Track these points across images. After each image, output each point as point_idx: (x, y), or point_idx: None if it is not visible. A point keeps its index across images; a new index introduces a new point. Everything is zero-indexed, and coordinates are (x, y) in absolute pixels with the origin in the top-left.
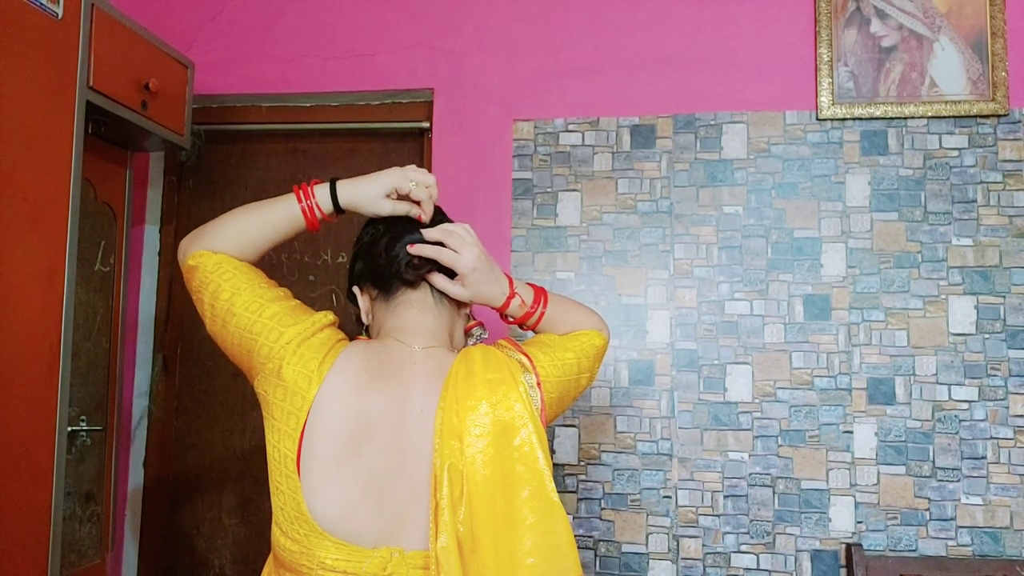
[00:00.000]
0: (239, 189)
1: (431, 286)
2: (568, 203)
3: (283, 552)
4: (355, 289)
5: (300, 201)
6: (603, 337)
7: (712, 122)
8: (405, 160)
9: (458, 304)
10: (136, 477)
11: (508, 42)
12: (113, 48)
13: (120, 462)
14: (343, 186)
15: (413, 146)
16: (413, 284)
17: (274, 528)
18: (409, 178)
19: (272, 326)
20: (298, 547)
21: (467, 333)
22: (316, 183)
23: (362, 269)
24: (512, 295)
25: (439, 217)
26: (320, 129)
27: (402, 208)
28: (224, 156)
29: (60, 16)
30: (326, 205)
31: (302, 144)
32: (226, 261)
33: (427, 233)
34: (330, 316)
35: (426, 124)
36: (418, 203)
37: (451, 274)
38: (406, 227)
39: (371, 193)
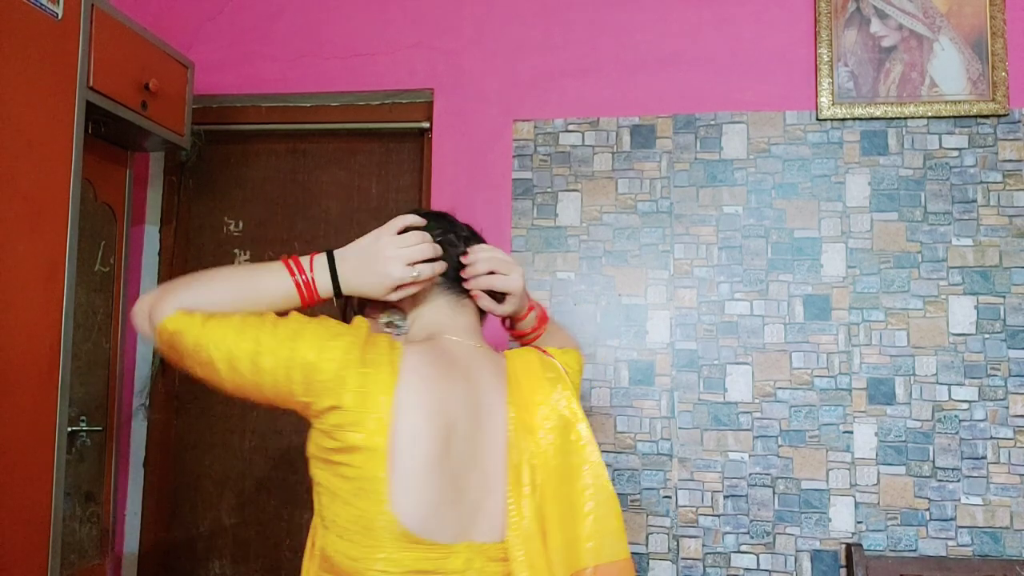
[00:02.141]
0: (239, 189)
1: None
2: (568, 203)
3: (347, 561)
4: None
5: (292, 275)
6: (583, 358)
7: (712, 122)
8: (405, 161)
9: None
10: (136, 477)
11: (508, 42)
12: (113, 48)
13: (120, 462)
14: (346, 274)
15: (413, 146)
16: (460, 292)
17: (335, 542)
18: (409, 271)
19: (320, 344)
20: (362, 552)
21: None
22: (312, 256)
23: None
24: (532, 308)
25: (474, 238)
26: (320, 129)
27: (412, 290)
28: (224, 156)
29: (60, 16)
30: (326, 289)
31: (302, 144)
32: (209, 315)
33: (476, 267)
34: (365, 320)
35: (426, 124)
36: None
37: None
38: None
39: (377, 291)
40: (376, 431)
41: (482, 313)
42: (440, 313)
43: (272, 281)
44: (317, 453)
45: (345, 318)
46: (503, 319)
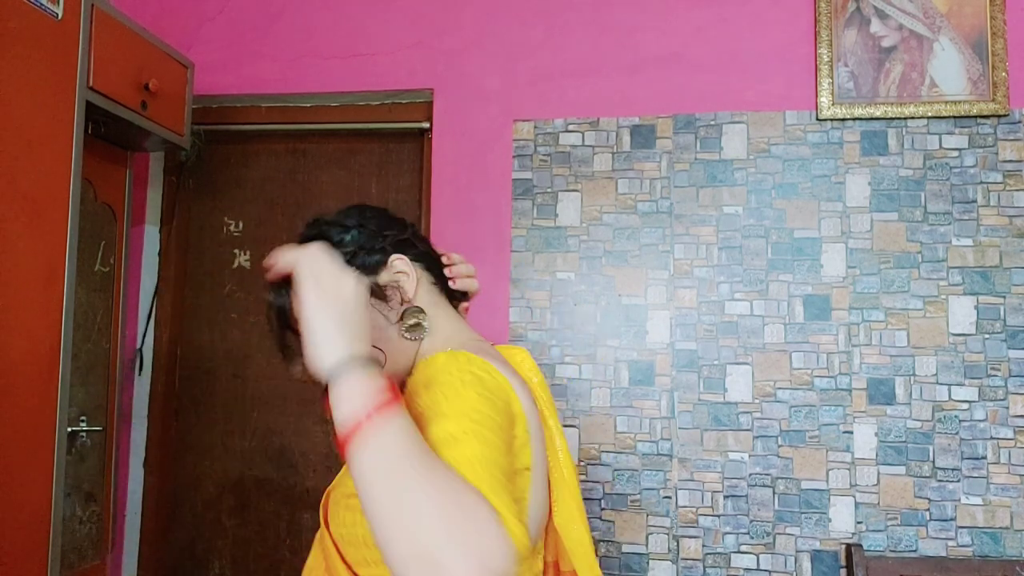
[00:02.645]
0: (239, 189)
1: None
2: (568, 203)
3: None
4: (404, 259)
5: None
6: None
7: (712, 122)
8: (405, 161)
9: None
10: (136, 477)
11: (508, 42)
12: (113, 48)
13: (120, 462)
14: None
15: (413, 146)
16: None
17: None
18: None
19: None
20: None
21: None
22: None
23: (423, 250)
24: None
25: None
26: (320, 129)
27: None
28: (224, 156)
29: (60, 16)
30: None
31: (302, 144)
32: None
33: (460, 268)
34: (505, 376)
35: (426, 124)
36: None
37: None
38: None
39: (345, 303)
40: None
41: None
42: (465, 326)
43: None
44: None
45: (282, 346)
46: None
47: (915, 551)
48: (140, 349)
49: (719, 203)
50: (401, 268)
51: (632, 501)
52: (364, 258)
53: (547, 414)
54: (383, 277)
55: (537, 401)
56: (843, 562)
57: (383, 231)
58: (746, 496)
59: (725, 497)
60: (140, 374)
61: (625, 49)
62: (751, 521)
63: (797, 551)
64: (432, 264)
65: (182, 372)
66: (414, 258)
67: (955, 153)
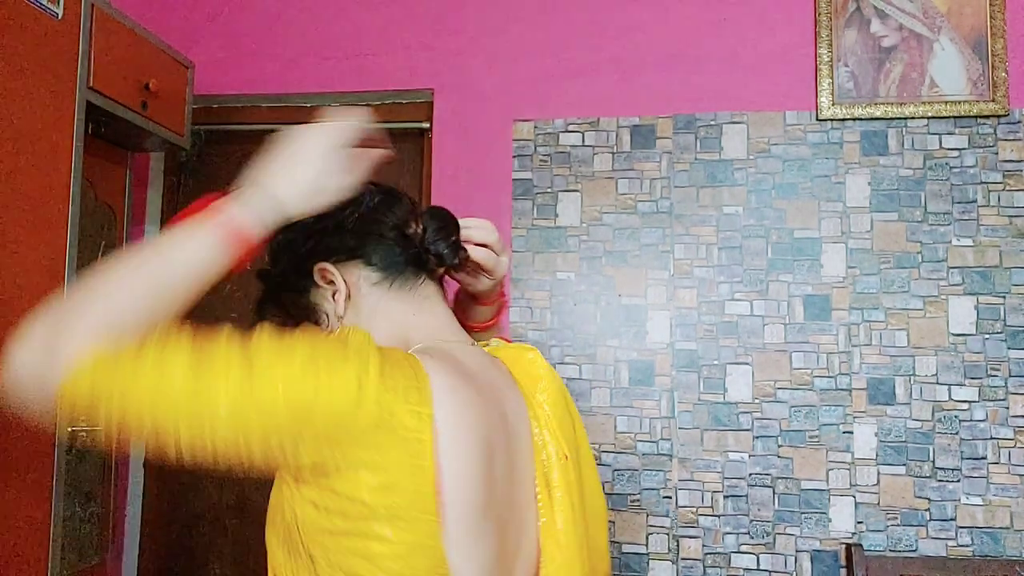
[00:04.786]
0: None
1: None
2: (568, 203)
3: None
4: (329, 267)
5: (213, 232)
6: None
7: (712, 122)
8: (405, 161)
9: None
10: (136, 477)
11: (508, 42)
12: (113, 48)
13: (120, 462)
14: (276, 186)
15: (413, 146)
16: (447, 271)
17: None
18: (350, 125)
19: (321, 368)
20: None
21: None
22: (214, 199)
23: (354, 243)
24: (501, 294)
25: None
26: None
27: (365, 169)
28: (224, 156)
29: (60, 16)
30: (260, 222)
31: None
32: (135, 352)
33: (473, 234)
34: (363, 331)
35: (426, 124)
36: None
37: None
38: (404, 197)
39: (327, 176)
40: (427, 481)
41: None
42: (432, 313)
43: (186, 250)
44: (313, 533)
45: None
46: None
47: (915, 551)
48: None
49: (719, 203)
50: (326, 281)
51: (632, 501)
52: (292, 284)
53: (550, 437)
54: (315, 295)
55: (536, 424)
56: (843, 562)
57: (306, 240)
58: (746, 496)
59: (725, 497)
60: None
61: (625, 49)
62: (751, 521)
63: (797, 551)
64: (384, 248)
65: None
66: (344, 258)
67: (955, 153)
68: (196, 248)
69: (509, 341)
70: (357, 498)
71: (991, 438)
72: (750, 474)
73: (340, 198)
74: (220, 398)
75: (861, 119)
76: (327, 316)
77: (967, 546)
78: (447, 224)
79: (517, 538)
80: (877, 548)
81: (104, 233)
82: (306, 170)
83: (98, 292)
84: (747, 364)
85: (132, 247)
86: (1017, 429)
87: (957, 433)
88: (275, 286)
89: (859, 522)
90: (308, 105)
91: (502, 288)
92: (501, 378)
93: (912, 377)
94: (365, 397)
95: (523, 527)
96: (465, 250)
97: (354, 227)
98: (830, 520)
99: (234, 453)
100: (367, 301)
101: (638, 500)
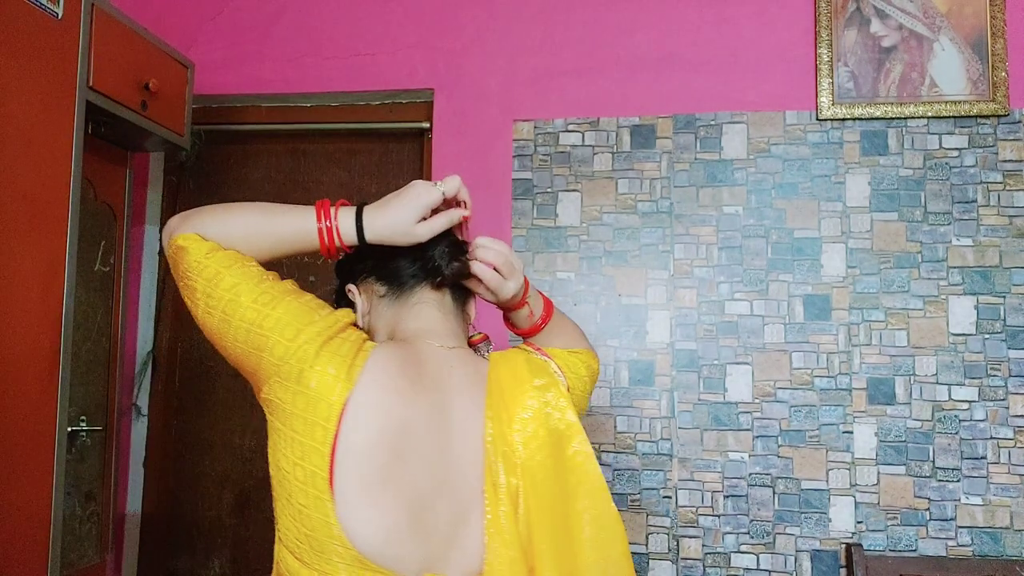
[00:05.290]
0: (239, 189)
1: (451, 286)
2: (568, 203)
3: None
4: (352, 288)
5: (319, 221)
6: (598, 360)
7: (712, 122)
8: (405, 161)
9: (467, 308)
10: (136, 477)
11: (508, 42)
12: (113, 48)
13: (120, 462)
14: (371, 214)
15: (413, 146)
16: (441, 284)
17: (286, 556)
18: (438, 188)
19: (288, 321)
20: None
21: (472, 347)
22: (342, 204)
23: (368, 265)
24: (523, 303)
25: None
26: (320, 129)
27: (440, 225)
28: (224, 156)
29: (60, 16)
30: (349, 236)
31: (302, 144)
32: (220, 248)
33: (484, 254)
34: (351, 314)
35: (426, 124)
36: (453, 205)
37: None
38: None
39: (404, 220)
40: (324, 440)
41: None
42: (421, 317)
43: (294, 221)
44: (271, 448)
45: (338, 303)
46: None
47: (915, 551)
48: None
49: (719, 203)
50: (354, 298)
51: (632, 501)
52: (340, 295)
53: (503, 443)
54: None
55: (494, 426)
56: (843, 562)
57: (344, 270)
58: (746, 496)
59: (725, 497)
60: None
61: (625, 49)
62: (751, 521)
63: (797, 551)
64: (389, 267)
65: (182, 371)
66: (365, 277)
67: (955, 153)
68: (298, 225)
69: (540, 351)
70: (272, 425)
71: (991, 438)
72: (750, 474)
73: (412, 242)
74: (238, 294)
75: (861, 119)
76: (362, 318)
77: (967, 546)
78: (450, 246)
79: (452, 527)
80: (877, 548)
81: (104, 233)
82: (399, 213)
83: (218, 210)
84: (747, 364)
85: (265, 204)
86: (1017, 429)
87: (957, 433)
88: (336, 296)
89: (859, 522)
90: (308, 105)
91: (524, 300)
92: (461, 379)
93: (912, 377)
94: (294, 352)
95: (464, 518)
96: (461, 264)
97: (377, 251)
98: (830, 520)
99: (220, 336)
100: (376, 309)
101: (638, 500)
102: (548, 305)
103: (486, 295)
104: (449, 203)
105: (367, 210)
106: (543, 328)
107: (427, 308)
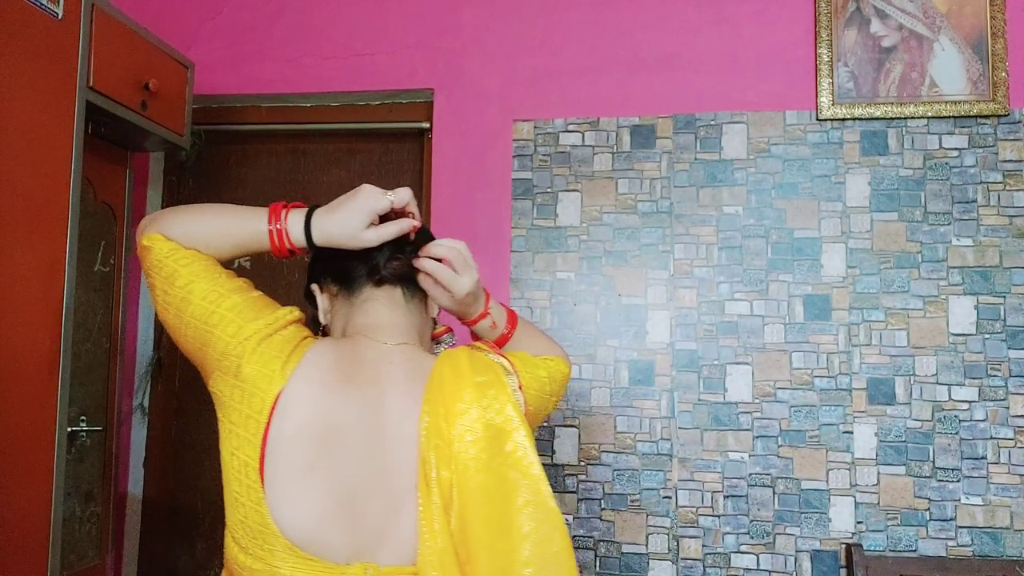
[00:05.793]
0: (239, 189)
1: (401, 283)
2: (568, 203)
3: (242, 570)
4: (314, 287)
5: (270, 223)
6: (568, 365)
7: (712, 122)
8: (405, 161)
9: (427, 305)
10: (136, 477)
11: (508, 42)
12: (113, 48)
13: (120, 462)
14: (319, 218)
15: (413, 146)
16: (382, 282)
17: (230, 543)
18: (387, 197)
19: (231, 318)
20: (260, 564)
21: (435, 340)
22: (294, 206)
23: (324, 266)
24: (484, 314)
25: (423, 235)
26: (320, 129)
27: (389, 233)
28: (224, 156)
29: (60, 16)
30: (298, 238)
31: (302, 144)
32: (181, 248)
33: (432, 249)
34: (296, 312)
35: (426, 124)
36: (404, 215)
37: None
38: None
39: (351, 225)
40: (256, 432)
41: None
42: (368, 312)
43: (249, 223)
44: (223, 444)
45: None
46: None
47: (915, 551)
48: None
49: (719, 203)
50: (317, 297)
51: (632, 501)
52: (308, 295)
53: (438, 439)
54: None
55: (429, 420)
56: (843, 562)
57: (310, 270)
58: (746, 496)
59: (725, 497)
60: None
61: (625, 49)
62: (751, 521)
63: (797, 551)
64: (339, 267)
65: (182, 372)
66: (324, 277)
67: (955, 153)
68: (252, 227)
69: (496, 350)
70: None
71: (991, 438)
72: (750, 474)
73: (360, 247)
74: (191, 290)
75: (861, 119)
76: (324, 315)
77: (967, 546)
78: (392, 245)
79: (384, 518)
80: (877, 548)
81: (104, 233)
82: (346, 218)
83: (182, 211)
84: (747, 364)
85: (227, 206)
86: (1017, 429)
87: (957, 433)
88: (305, 295)
89: (859, 522)
90: (308, 105)
91: (486, 311)
92: (400, 374)
93: (912, 377)
94: (234, 347)
95: (396, 509)
96: (400, 261)
97: (328, 253)
98: (830, 520)
99: (178, 332)
100: (333, 307)
101: (638, 500)
102: (512, 316)
103: (441, 297)
104: (400, 214)
105: (316, 213)
106: (510, 338)
107: (374, 305)
